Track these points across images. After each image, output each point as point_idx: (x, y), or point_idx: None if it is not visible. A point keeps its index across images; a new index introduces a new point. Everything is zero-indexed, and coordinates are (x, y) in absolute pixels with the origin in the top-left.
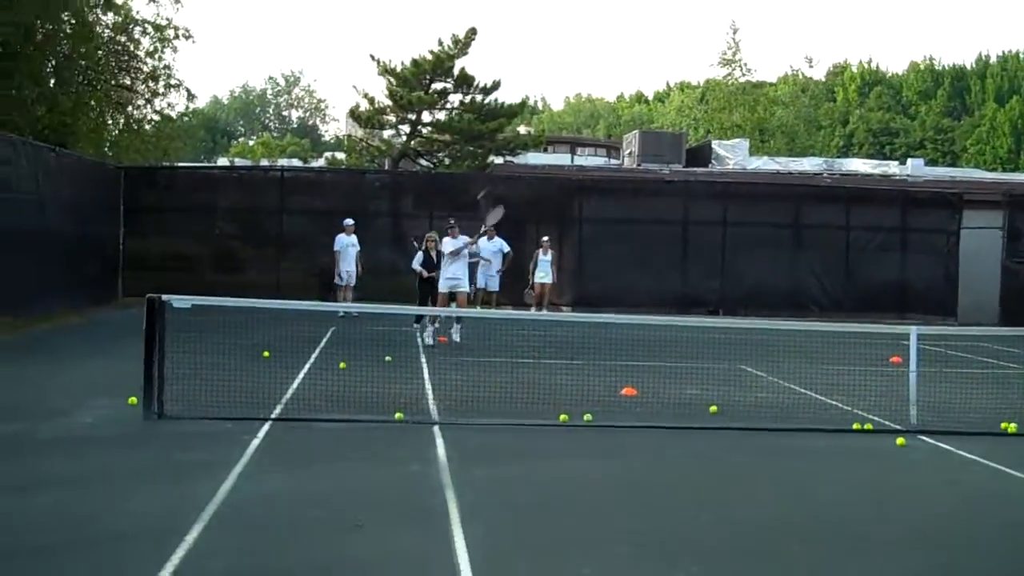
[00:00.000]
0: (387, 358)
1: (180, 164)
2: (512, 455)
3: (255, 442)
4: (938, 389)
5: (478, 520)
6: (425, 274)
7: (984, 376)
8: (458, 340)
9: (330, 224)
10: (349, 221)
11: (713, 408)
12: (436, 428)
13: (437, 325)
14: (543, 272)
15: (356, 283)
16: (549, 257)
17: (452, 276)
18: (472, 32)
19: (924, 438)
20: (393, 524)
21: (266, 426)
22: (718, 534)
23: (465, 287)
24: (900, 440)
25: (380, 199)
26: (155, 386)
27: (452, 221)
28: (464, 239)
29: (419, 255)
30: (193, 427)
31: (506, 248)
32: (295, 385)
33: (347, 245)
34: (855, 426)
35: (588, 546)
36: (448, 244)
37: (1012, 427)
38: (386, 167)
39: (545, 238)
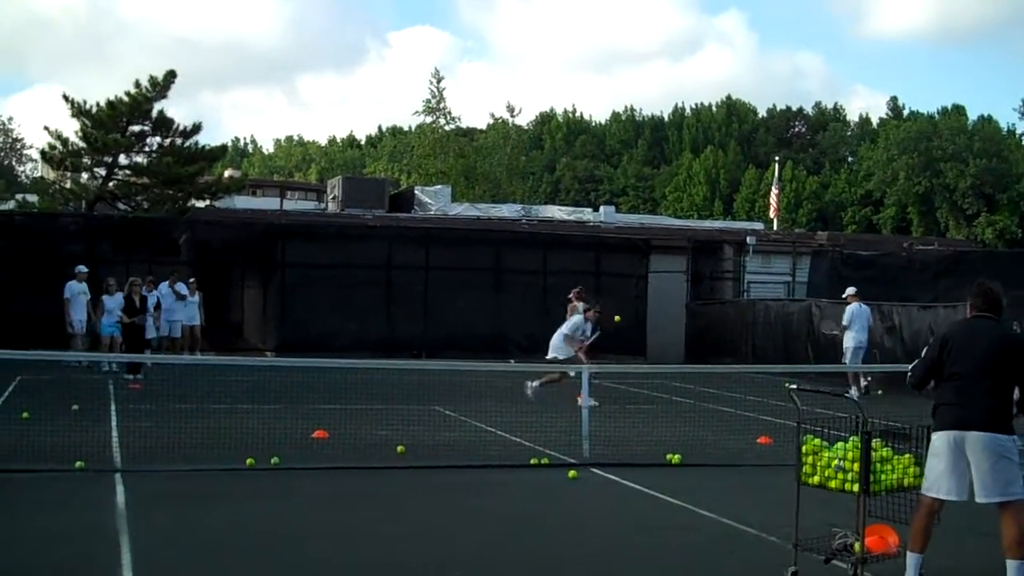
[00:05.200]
0: (74, 407)
1: None
2: (193, 500)
3: None
4: (613, 424)
5: (149, 565)
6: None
7: (657, 411)
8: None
9: (20, 270)
10: (82, 268)
11: (400, 448)
12: (118, 475)
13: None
14: (191, 314)
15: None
16: (196, 299)
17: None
18: (171, 75)
19: (595, 470)
20: (60, 571)
21: None
22: (385, 568)
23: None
24: (572, 473)
25: (75, 243)
26: None
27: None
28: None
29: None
30: None
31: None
32: None
33: (78, 292)
34: (532, 460)
35: None
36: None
37: (676, 458)
38: (81, 210)
39: (191, 279)
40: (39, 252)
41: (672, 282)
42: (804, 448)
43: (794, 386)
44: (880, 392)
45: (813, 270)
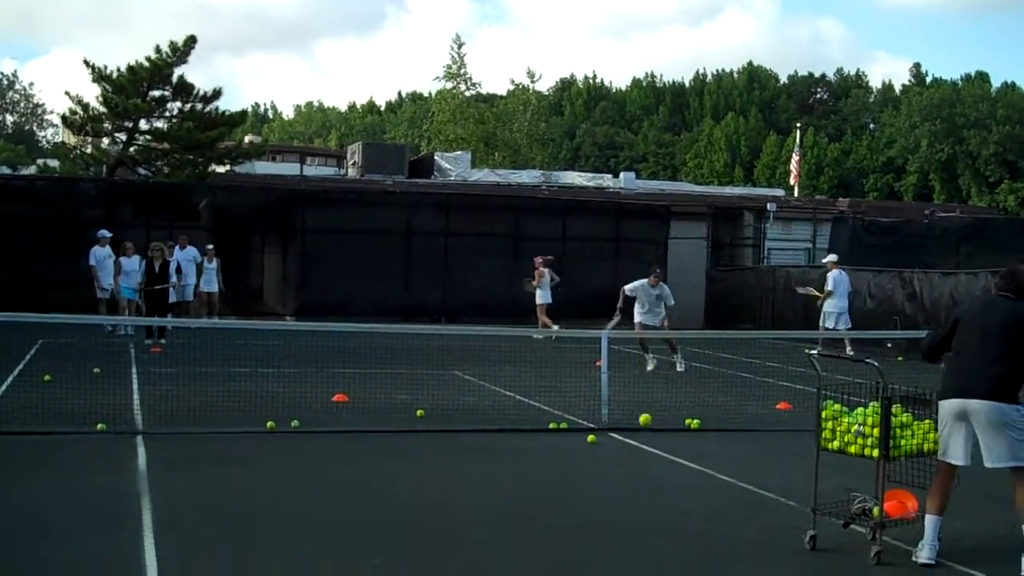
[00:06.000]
0: (96, 370)
1: None
2: (214, 462)
3: None
4: (632, 389)
5: (171, 525)
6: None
7: (676, 376)
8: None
9: (41, 234)
10: (105, 233)
11: (420, 412)
12: (139, 438)
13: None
14: (207, 280)
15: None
16: (214, 265)
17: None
18: (191, 40)
19: (613, 435)
20: (83, 532)
21: None
22: (405, 527)
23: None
24: (591, 437)
25: (96, 208)
26: None
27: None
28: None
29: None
30: None
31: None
32: None
33: (104, 257)
34: (551, 425)
35: (279, 544)
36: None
37: (695, 423)
38: (102, 175)
39: (210, 246)
40: (60, 217)
41: (692, 248)
42: (824, 413)
43: (815, 352)
44: (900, 359)
45: (834, 237)
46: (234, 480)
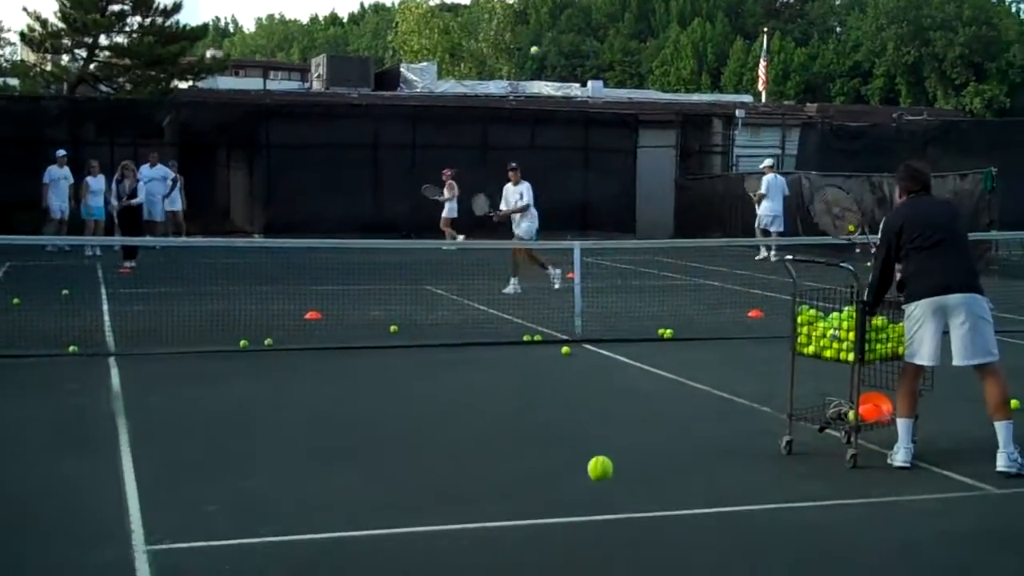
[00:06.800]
0: (64, 292)
1: None
2: (189, 381)
3: None
4: (605, 301)
5: (147, 443)
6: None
7: (649, 287)
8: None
9: (2, 154)
10: (61, 152)
11: (394, 328)
12: (112, 359)
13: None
14: (172, 199)
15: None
16: (179, 183)
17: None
18: None
19: (588, 346)
20: (61, 452)
21: None
22: (382, 441)
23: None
24: (565, 349)
25: (58, 126)
26: None
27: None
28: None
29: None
30: None
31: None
32: None
33: (59, 177)
34: (525, 338)
35: (257, 460)
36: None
37: (668, 333)
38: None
39: (172, 163)
40: (21, 136)
41: (661, 157)
42: (799, 319)
43: (789, 257)
44: (870, 265)
45: (802, 143)
46: (210, 398)
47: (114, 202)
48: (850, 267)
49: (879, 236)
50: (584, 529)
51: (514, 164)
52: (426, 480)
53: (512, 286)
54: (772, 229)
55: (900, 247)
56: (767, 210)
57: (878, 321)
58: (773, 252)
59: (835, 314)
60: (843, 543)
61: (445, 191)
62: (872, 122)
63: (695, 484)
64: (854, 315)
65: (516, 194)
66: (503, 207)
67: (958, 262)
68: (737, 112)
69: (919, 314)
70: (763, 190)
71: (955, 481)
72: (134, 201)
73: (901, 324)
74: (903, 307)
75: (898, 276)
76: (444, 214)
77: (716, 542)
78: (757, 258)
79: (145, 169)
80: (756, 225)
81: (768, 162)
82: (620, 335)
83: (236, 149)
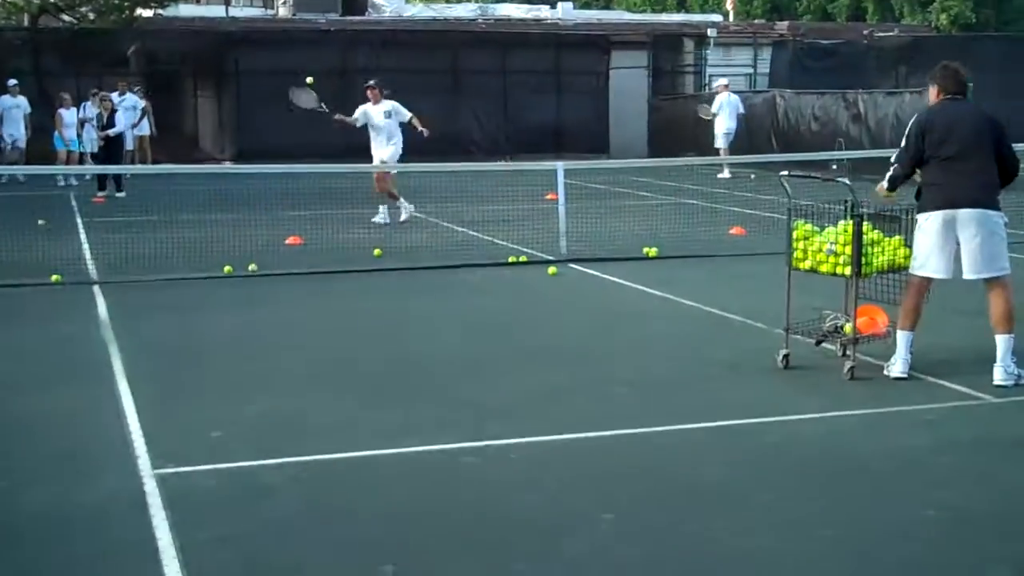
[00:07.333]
0: (40, 222)
1: None
2: (176, 308)
3: None
4: (588, 221)
5: (143, 371)
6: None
7: (631, 207)
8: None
9: None
10: (13, 81)
11: (377, 251)
12: (96, 288)
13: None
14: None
15: (24, 146)
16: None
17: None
18: None
19: (574, 266)
20: (56, 383)
21: None
22: (377, 366)
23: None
24: (552, 269)
25: (21, 58)
26: None
27: (372, 81)
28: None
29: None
30: None
31: None
32: None
33: (11, 107)
34: (510, 259)
35: (256, 383)
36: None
37: (653, 251)
38: (25, 24)
39: (136, 88)
40: None
41: (633, 78)
42: (795, 234)
43: (784, 173)
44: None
45: (774, 61)
46: (200, 325)
47: (94, 134)
48: (846, 181)
49: (906, 131)
50: (589, 445)
51: (372, 81)
52: (425, 400)
53: (382, 215)
54: (722, 146)
55: (923, 149)
56: (722, 127)
57: (873, 235)
58: (727, 172)
59: (830, 228)
60: (846, 453)
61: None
62: (844, 39)
63: (695, 399)
64: (850, 229)
65: (382, 114)
66: (372, 130)
67: (972, 176)
68: (709, 31)
69: (928, 226)
70: (714, 109)
71: (953, 391)
72: (111, 131)
73: (896, 238)
74: (916, 216)
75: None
76: None
77: (722, 456)
78: (719, 176)
79: (114, 98)
80: (714, 143)
81: (722, 81)
82: (605, 254)
83: (203, 77)
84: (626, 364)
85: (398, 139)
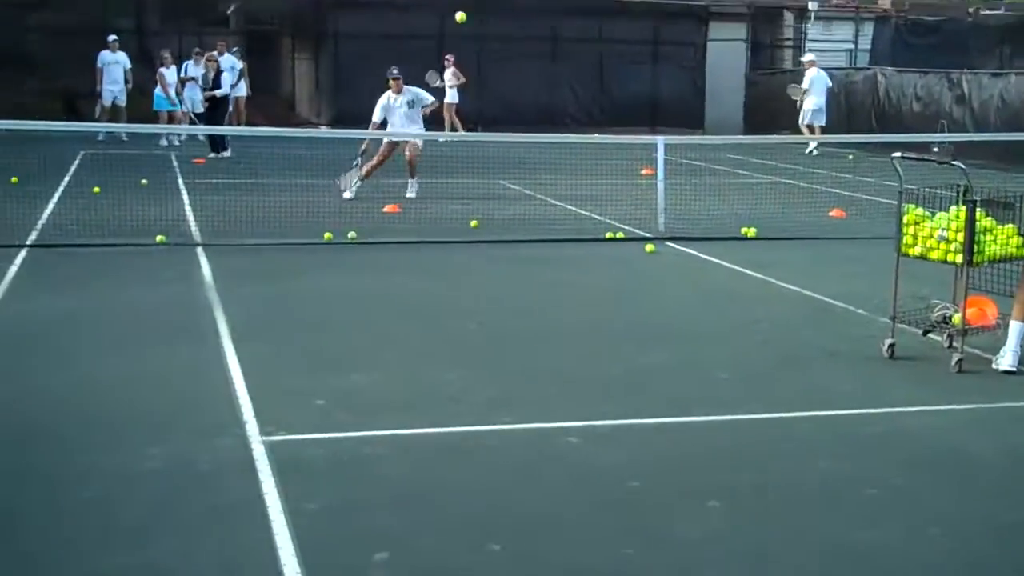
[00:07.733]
0: (143, 181)
1: None
2: (278, 273)
3: (13, 268)
4: (686, 198)
5: (248, 334)
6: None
7: (728, 185)
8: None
9: (69, 45)
10: (112, 37)
11: (474, 222)
12: (200, 250)
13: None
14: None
15: (126, 102)
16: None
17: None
18: None
19: (671, 244)
20: (163, 341)
21: (22, 253)
22: (481, 338)
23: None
24: (649, 246)
25: (123, 17)
26: None
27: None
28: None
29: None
30: None
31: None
32: (48, 211)
33: (110, 62)
34: (608, 235)
35: (359, 354)
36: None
37: (751, 231)
38: None
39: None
40: (86, 26)
41: (731, 51)
42: (905, 218)
43: (897, 154)
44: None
45: (876, 37)
46: (302, 291)
47: (200, 95)
48: (961, 165)
49: None
50: (692, 429)
51: (395, 71)
52: (531, 376)
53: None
54: (815, 123)
55: None
56: (811, 103)
57: (986, 222)
58: (814, 146)
59: (942, 214)
60: (953, 448)
61: (449, 76)
62: (947, 16)
63: (797, 387)
64: (963, 215)
65: (405, 104)
66: (391, 123)
67: None
68: (810, 4)
69: None
70: (804, 85)
71: None
72: (218, 92)
73: (1009, 226)
74: None
75: None
76: (447, 100)
77: (826, 447)
78: (806, 152)
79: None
80: (800, 121)
81: (809, 56)
82: (703, 233)
83: (302, 39)
84: (726, 347)
85: (419, 124)
